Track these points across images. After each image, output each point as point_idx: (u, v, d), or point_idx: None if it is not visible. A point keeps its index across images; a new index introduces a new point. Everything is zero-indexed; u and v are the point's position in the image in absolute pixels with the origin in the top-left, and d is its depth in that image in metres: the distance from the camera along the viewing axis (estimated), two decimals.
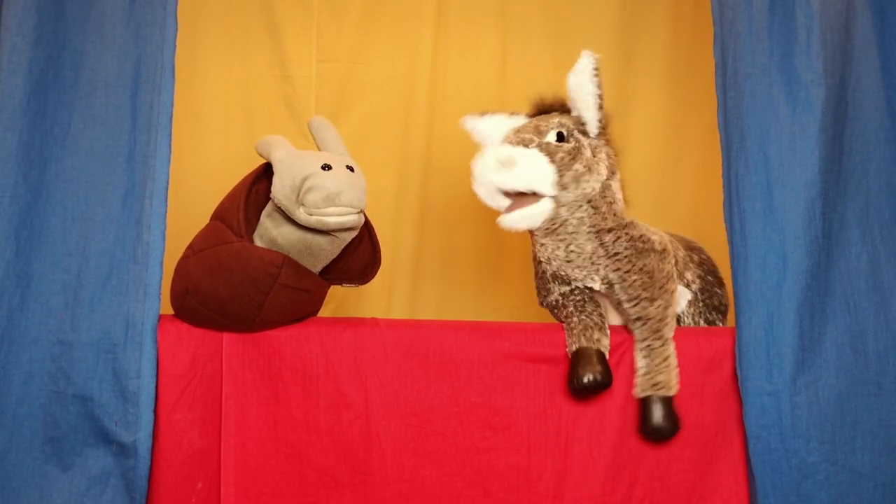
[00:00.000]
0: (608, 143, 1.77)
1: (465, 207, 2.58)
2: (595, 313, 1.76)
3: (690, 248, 1.89)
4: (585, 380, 1.64)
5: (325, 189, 1.65)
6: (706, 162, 2.28)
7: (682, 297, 1.82)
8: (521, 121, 1.80)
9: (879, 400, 1.66)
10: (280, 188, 1.70)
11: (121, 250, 1.69)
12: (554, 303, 1.83)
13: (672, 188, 2.51)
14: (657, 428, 1.67)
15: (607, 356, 1.70)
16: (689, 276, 1.83)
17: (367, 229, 1.85)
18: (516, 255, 2.61)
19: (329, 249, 1.75)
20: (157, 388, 1.67)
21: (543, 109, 1.79)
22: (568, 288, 1.80)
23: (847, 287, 1.69)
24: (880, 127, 1.73)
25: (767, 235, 1.68)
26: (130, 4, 1.73)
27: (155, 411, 1.67)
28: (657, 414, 1.67)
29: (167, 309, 1.75)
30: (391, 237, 2.45)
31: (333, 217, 1.67)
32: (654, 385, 1.68)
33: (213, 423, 1.71)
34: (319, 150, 1.83)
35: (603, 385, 1.66)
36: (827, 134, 1.69)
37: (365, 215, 1.84)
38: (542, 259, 1.79)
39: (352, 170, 1.73)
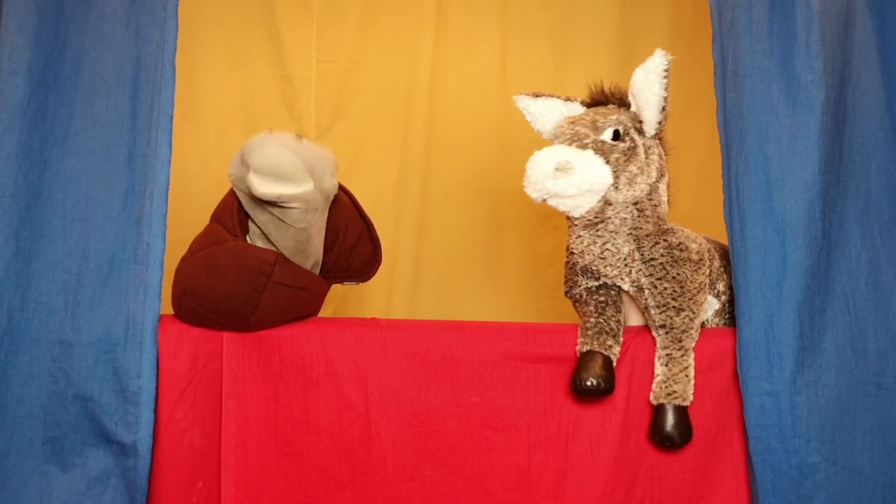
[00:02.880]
0: (660, 142, 1.75)
1: (465, 207, 2.59)
2: (613, 319, 1.75)
3: (727, 257, 1.86)
4: (588, 383, 1.64)
5: (253, 143, 1.66)
6: (706, 162, 2.28)
7: (710, 307, 1.81)
8: (575, 108, 1.78)
9: (879, 400, 1.66)
10: (231, 164, 1.71)
11: (121, 250, 1.69)
12: (578, 296, 1.82)
13: (672, 188, 2.52)
14: (668, 436, 1.67)
15: (615, 363, 1.70)
16: (720, 286, 1.80)
17: (366, 226, 1.85)
18: (516, 255, 2.62)
19: (291, 247, 1.73)
20: (157, 388, 1.67)
21: (600, 100, 1.77)
22: (595, 283, 1.79)
23: (847, 287, 1.69)
24: (880, 127, 1.73)
25: (767, 235, 1.68)
26: (130, 4, 1.73)
27: (155, 411, 1.67)
28: (670, 422, 1.66)
29: (167, 309, 1.75)
30: (391, 237, 2.45)
31: (256, 181, 1.64)
32: (670, 394, 1.67)
33: (214, 423, 1.71)
34: None
35: (603, 391, 1.65)
36: (827, 134, 1.69)
37: (363, 212, 1.85)
38: (574, 250, 1.78)
39: (299, 139, 1.71)
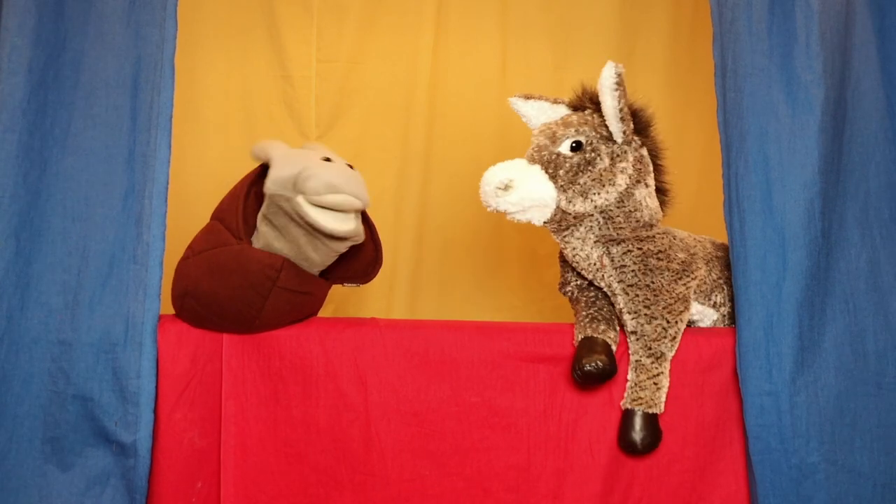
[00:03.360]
0: (644, 145, 1.74)
1: (464, 208, 2.58)
2: (605, 309, 1.76)
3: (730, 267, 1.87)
4: (587, 367, 1.63)
5: (326, 176, 1.64)
6: (706, 162, 2.28)
7: (707, 318, 1.81)
8: (560, 110, 1.80)
9: (879, 400, 1.66)
10: (276, 178, 1.68)
11: (121, 250, 1.69)
12: (570, 293, 1.85)
13: (672, 188, 2.52)
14: (630, 442, 1.67)
15: (614, 348, 1.70)
16: (718, 298, 1.80)
17: (367, 228, 1.84)
18: (516, 255, 2.62)
19: (318, 261, 1.74)
20: (157, 388, 1.67)
21: (579, 104, 1.78)
22: (585, 281, 1.82)
23: (847, 287, 1.69)
24: (880, 127, 1.73)
25: (767, 235, 1.68)
26: (130, 4, 1.73)
27: (155, 411, 1.67)
28: (633, 428, 1.67)
29: (167, 309, 1.75)
30: (391, 237, 2.45)
31: (335, 198, 1.64)
32: (635, 400, 1.67)
33: (213, 423, 1.71)
34: None
35: (605, 372, 1.64)
36: (826, 134, 1.69)
37: (365, 214, 1.84)
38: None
39: (351, 168, 1.73)
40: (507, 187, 1.65)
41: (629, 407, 1.68)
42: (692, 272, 1.74)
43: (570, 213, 1.68)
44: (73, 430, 1.66)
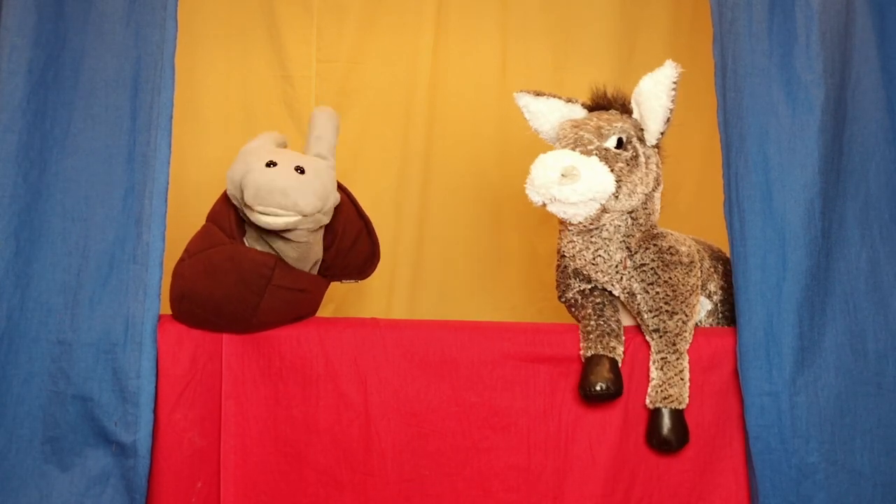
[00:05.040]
0: (658, 150, 1.74)
1: (465, 208, 2.59)
2: (613, 319, 1.74)
3: (716, 257, 1.86)
4: (598, 387, 1.63)
5: (255, 187, 1.63)
6: (706, 162, 2.28)
7: (702, 308, 1.82)
8: (576, 110, 1.77)
9: (879, 400, 1.66)
10: (230, 177, 1.70)
11: (121, 250, 1.69)
12: (572, 300, 1.81)
13: (672, 188, 2.51)
14: (665, 440, 1.67)
15: (620, 364, 1.70)
16: (711, 286, 1.81)
17: (364, 225, 1.85)
18: (516, 255, 2.61)
19: (293, 256, 1.74)
20: (156, 388, 1.67)
21: (602, 104, 1.76)
22: (588, 286, 1.79)
23: (847, 287, 1.69)
24: (880, 127, 1.73)
25: (767, 235, 1.68)
26: (130, 4, 1.73)
27: (155, 411, 1.67)
28: (666, 426, 1.66)
29: (167, 309, 1.75)
30: (391, 237, 2.45)
31: (261, 217, 1.65)
32: (666, 398, 1.67)
33: (213, 423, 1.71)
34: (308, 139, 1.80)
35: (612, 395, 1.65)
36: (826, 134, 1.69)
37: (362, 211, 1.85)
38: (566, 254, 1.77)
39: (301, 171, 1.67)
40: (572, 175, 1.59)
41: (659, 406, 1.67)
42: (696, 264, 1.75)
43: (608, 212, 1.66)
44: (73, 430, 1.66)
